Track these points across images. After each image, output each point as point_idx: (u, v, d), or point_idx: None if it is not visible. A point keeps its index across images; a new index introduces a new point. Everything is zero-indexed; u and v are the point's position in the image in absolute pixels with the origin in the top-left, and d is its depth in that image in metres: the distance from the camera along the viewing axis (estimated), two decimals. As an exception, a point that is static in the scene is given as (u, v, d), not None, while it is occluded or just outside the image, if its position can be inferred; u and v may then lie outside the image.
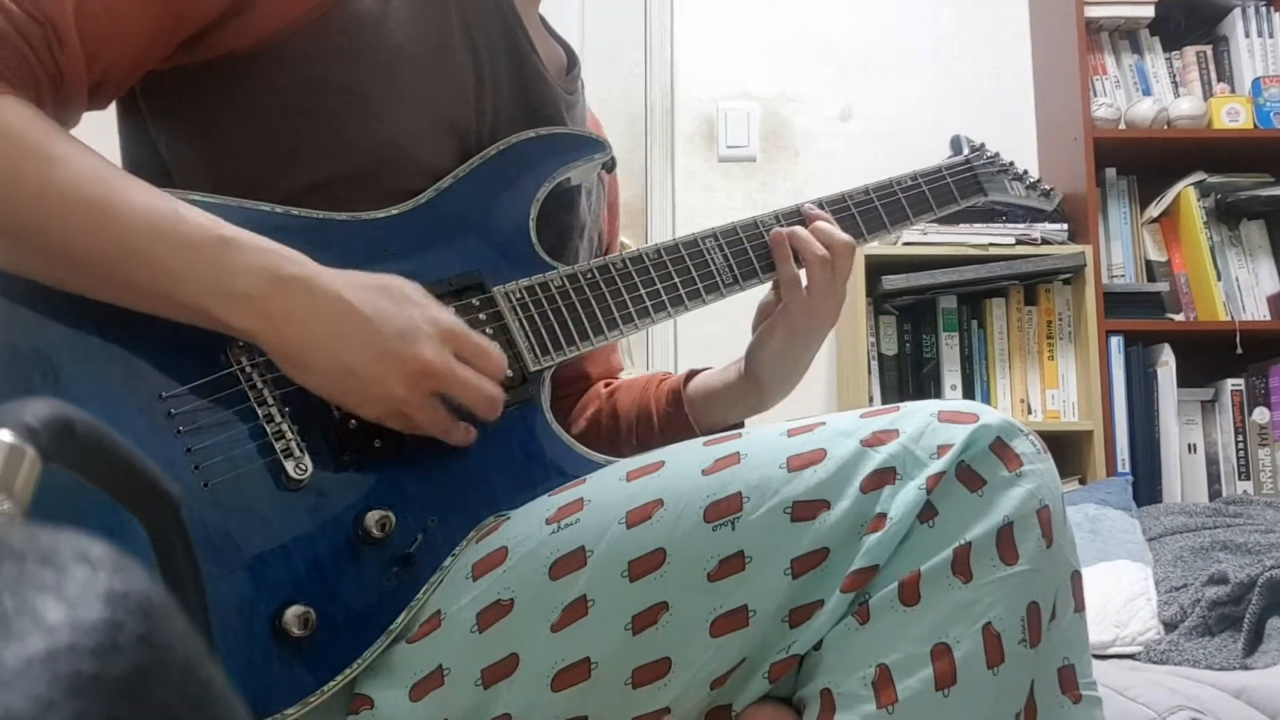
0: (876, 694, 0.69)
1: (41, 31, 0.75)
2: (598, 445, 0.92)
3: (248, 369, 0.78)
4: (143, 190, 0.76)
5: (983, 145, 1.20)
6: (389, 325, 0.77)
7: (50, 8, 0.76)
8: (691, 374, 1.10)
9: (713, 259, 0.98)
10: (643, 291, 0.94)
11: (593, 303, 0.91)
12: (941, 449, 0.72)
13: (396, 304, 0.78)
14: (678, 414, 1.07)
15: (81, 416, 0.34)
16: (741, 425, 1.06)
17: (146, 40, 0.81)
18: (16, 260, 0.75)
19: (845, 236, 1.00)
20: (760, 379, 1.03)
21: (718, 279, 0.97)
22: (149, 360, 0.76)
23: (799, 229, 0.99)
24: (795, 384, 1.05)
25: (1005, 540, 0.71)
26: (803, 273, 0.99)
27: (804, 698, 0.73)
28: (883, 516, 0.71)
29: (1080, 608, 0.75)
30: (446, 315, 0.80)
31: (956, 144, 1.19)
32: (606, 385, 1.15)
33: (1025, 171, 1.23)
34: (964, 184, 1.13)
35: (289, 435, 0.78)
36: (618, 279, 0.93)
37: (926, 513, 0.71)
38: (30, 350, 0.74)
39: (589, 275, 0.92)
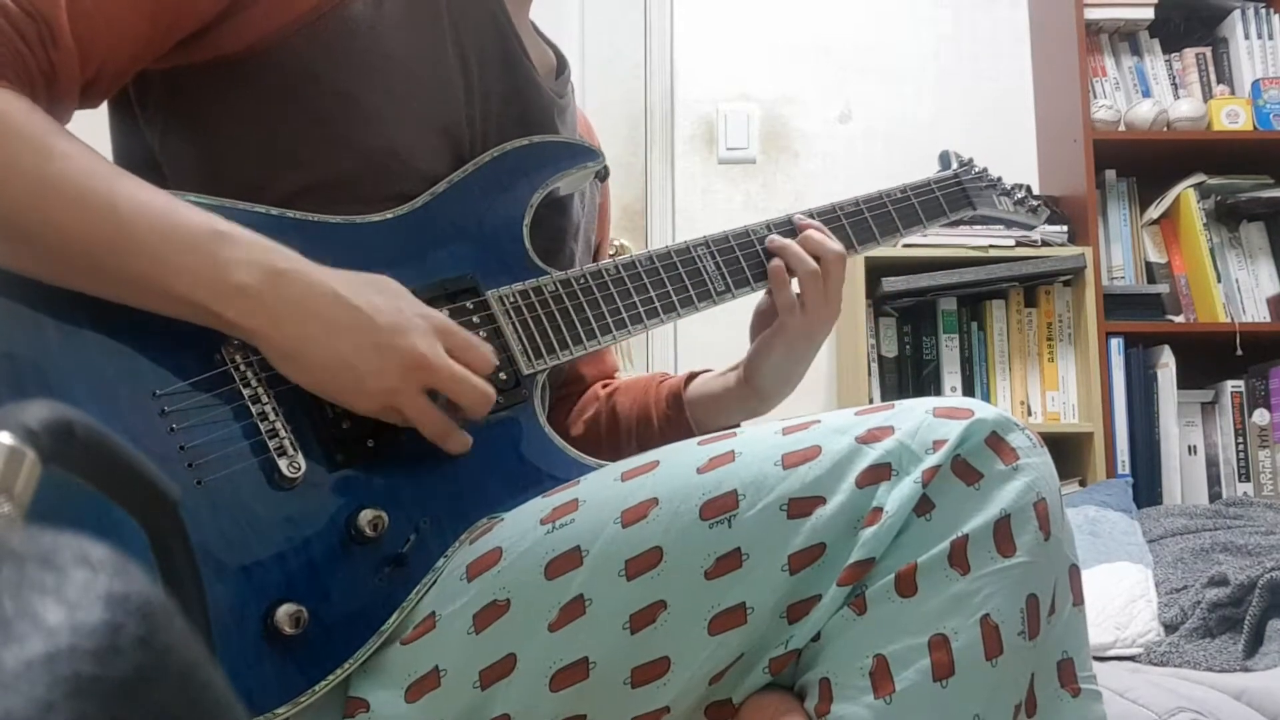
0: (874, 684, 0.69)
1: (36, 28, 0.76)
2: (597, 448, 0.92)
3: (241, 367, 0.78)
4: (138, 185, 0.76)
5: (971, 160, 1.21)
6: (382, 318, 0.77)
7: (44, 5, 0.76)
8: (691, 376, 1.10)
9: (705, 266, 0.99)
10: (635, 298, 0.94)
11: (586, 308, 0.92)
12: (937, 444, 0.72)
13: (388, 299, 0.79)
14: (678, 416, 1.08)
15: (81, 419, 0.34)
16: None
17: (140, 40, 0.81)
18: (11, 256, 0.75)
19: (836, 246, 1.01)
20: (760, 387, 1.04)
21: (709, 286, 0.98)
22: (143, 357, 0.76)
23: (790, 244, 1.00)
24: (795, 387, 1.06)
25: (1002, 533, 0.71)
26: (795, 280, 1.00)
27: (804, 685, 0.73)
28: (879, 510, 0.71)
29: (1079, 601, 0.75)
30: (436, 312, 0.81)
31: (945, 159, 1.21)
32: (605, 386, 1.16)
33: (1014, 187, 1.24)
34: (952, 198, 1.15)
35: (282, 434, 0.78)
36: (611, 284, 0.94)
37: (923, 506, 0.71)
38: (24, 347, 0.74)
39: (582, 280, 0.93)
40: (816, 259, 0.99)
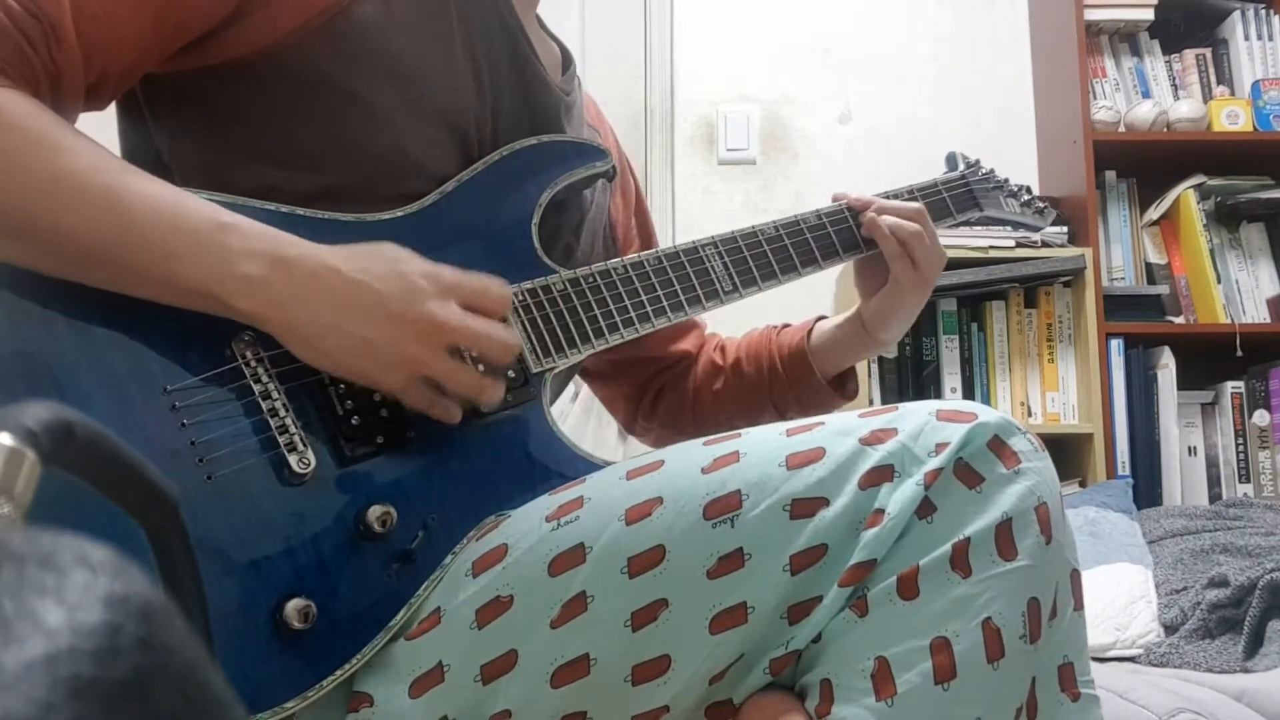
0: (875, 686, 0.69)
1: (40, 28, 0.76)
2: (732, 418, 1.01)
3: (252, 363, 0.78)
4: (144, 179, 0.77)
5: (978, 161, 1.22)
6: (389, 288, 0.78)
7: (49, 6, 0.76)
8: (808, 331, 1.15)
9: (712, 266, 1.00)
10: (644, 297, 0.95)
11: (594, 306, 0.92)
12: (939, 446, 0.72)
13: (390, 265, 0.79)
14: (805, 373, 1.12)
15: (82, 420, 0.34)
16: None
17: (144, 43, 0.82)
18: (20, 251, 0.75)
19: (913, 205, 1.07)
20: (886, 337, 1.10)
21: (717, 286, 0.99)
22: (154, 353, 0.77)
23: (888, 204, 1.07)
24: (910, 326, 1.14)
25: (1004, 536, 0.71)
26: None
27: (804, 686, 0.73)
28: (880, 512, 0.71)
29: (1079, 606, 0.75)
30: (436, 266, 0.81)
31: (952, 160, 1.21)
32: (719, 351, 1.20)
33: (1020, 189, 1.25)
34: (960, 199, 1.16)
35: (293, 429, 0.78)
36: (619, 283, 0.94)
37: (925, 509, 0.71)
38: (36, 344, 0.74)
39: (591, 279, 0.93)
40: (909, 218, 1.05)
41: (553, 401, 0.92)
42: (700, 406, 1.17)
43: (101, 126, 0.87)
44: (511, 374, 0.86)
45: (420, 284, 0.79)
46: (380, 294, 0.77)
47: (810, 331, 1.14)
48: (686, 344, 1.19)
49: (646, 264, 0.96)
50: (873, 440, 0.74)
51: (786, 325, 1.17)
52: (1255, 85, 2.59)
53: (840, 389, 1.14)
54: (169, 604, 0.27)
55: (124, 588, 0.26)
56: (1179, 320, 2.57)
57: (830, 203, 1.09)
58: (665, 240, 2.78)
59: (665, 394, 1.19)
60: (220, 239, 0.75)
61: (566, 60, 1.07)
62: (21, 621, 0.24)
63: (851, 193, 1.09)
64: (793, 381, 1.12)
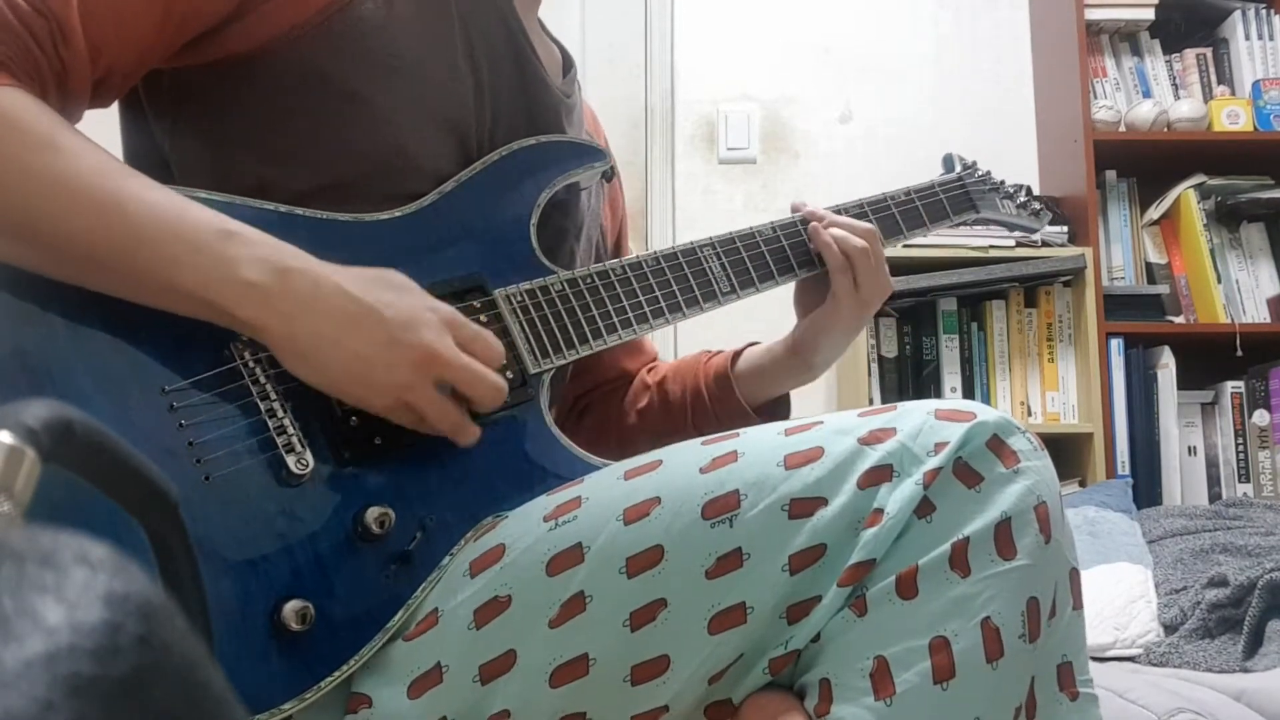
0: (874, 686, 0.69)
1: (47, 26, 0.76)
2: (656, 437, 0.96)
3: (250, 364, 0.78)
4: (146, 184, 0.77)
5: (974, 163, 1.22)
6: (391, 313, 0.78)
7: (55, 4, 0.76)
8: (736, 354, 1.12)
9: (710, 268, 1.00)
10: (641, 298, 0.95)
11: (592, 307, 0.92)
12: (939, 446, 0.72)
13: (397, 293, 0.79)
14: (728, 395, 1.09)
15: (81, 418, 0.34)
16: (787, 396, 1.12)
17: (150, 40, 0.82)
18: (21, 253, 0.75)
19: (866, 224, 1.04)
20: (813, 361, 1.07)
21: (715, 287, 0.99)
22: (153, 354, 0.77)
23: (837, 219, 1.04)
24: (841, 355, 1.10)
25: (1003, 536, 0.71)
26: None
27: (803, 685, 0.73)
28: (880, 512, 0.71)
29: (1079, 605, 0.75)
30: (443, 305, 0.81)
31: (949, 162, 1.21)
32: (650, 372, 1.17)
33: (1017, 189, 1.25)
34: (956, 200, 1.15)
35: (290, 430, 0.78)
36: (617, 284, 0.94)
37: (924, 508, 0.71)
38: (34, 344, 0.74)
39: (589, 280, 0.93)
40: (858, 235, 1.03)
41: (551, 404, 0.92)
42: (624, 424, 1.15)
43: (104, 124, 0.87)
44: (509, 375, 0.86)
45: (424, 315, 0.79)
46: (384, 318, 0.77)
47: (739, 355, 1.12)
48: (632, 364, 1.18)
49: (645, 265, 0.96)
50: (872, 440, 0.74)
51: (721, 351, 1.14)
52: (1256, 85, 2.59)
53: (771, 416, 1.09)
54: (169, 602, 0.27)
55: (124, 586, 0.26)
56: (1179, 320, 2.57)
57: (829, 205, 1.09)
58: (666, 240, 2.79)
59: (593, 408, 1.17)
60: (223, 247, 0.75)
61: (568, 63, 1.07)
62: (21, 619, 0.24)
63: (816, 204, 1.08)
64: (714, 403, 1.10)
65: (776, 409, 1.11)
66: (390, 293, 0.79)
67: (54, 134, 0.75)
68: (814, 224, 1.04)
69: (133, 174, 0.77)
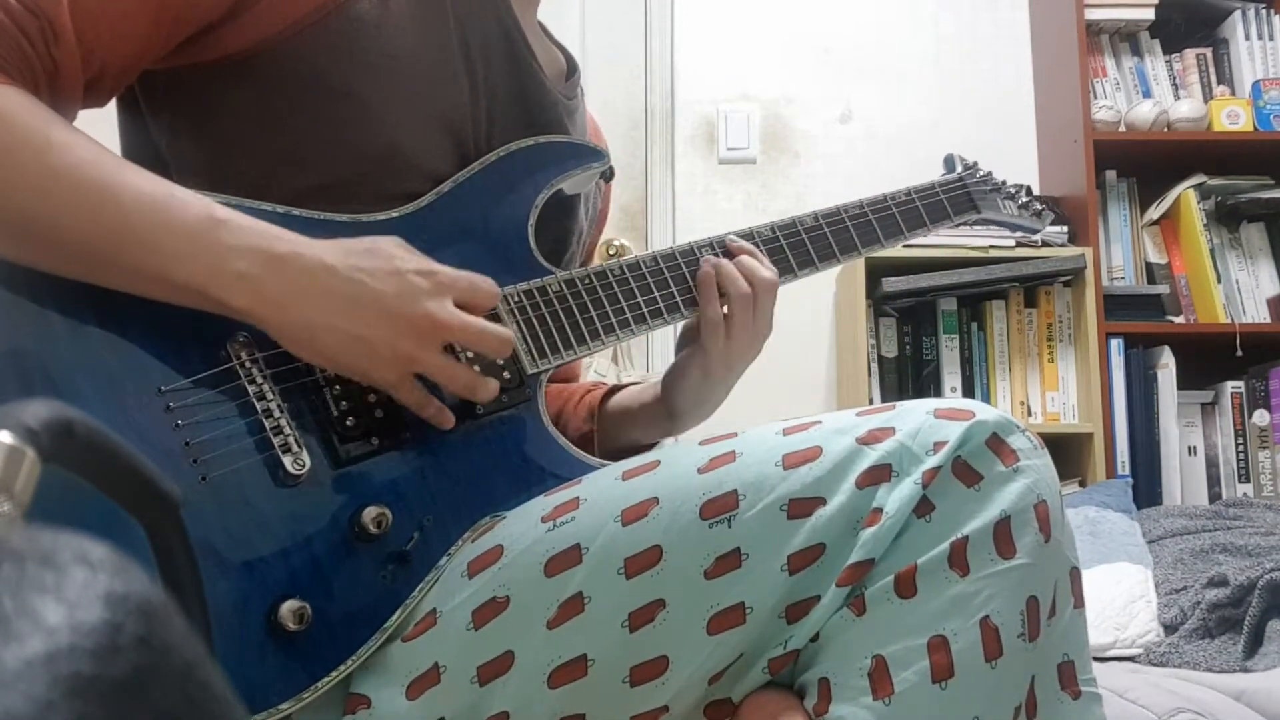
0: (873, 685, 0.69)
1: (38, 24, 0.76)
2: None
3: (247, 364, 0.78)
4: (138, 175, 0.77)
5: (975, 163, 1.21)
6: (385, 286, 0.78)
7: (47, 3, 0.76)
8: (613, 390, 1.09)
9: None
10: (640, 299, 0.95)
11: (590, 308, 0.92)
12: (938, 445, 0.72)
13: (386, 262, 0.79)
14: (592, 431, 1.06)
15: (81, 418, 0.34)
16: (655, 445, 1.05)
17: (143, 39, 0.82)
18: (15, 247, 0.75)
19: (768, 273, 0.96)
20: (675, 408, 1.02)
21: None
22: (148, 353, 0.77)
23: (726, 263, 0.96)
24: (711, 412, 1.03)
25: (1002, 534, 0.71)
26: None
27: (803, 685, 0.73)
28: (878, 511, 0.71)
29: (1080, 604, 0.75)
30: (430, 263, 0.81)
31: (950, 162, 1.21)
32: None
33: (1018, 190, 1.24)
34: (957, 201, 1.14)
35: (287, 431, 0.78)
36: (615, 285, 0.94)
37: (923, 507, 0.71)
38: (30, 343, 0.74)
39: (587, 281, 0.93)
40: (749, 283, 0.95)
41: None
42: None
43: (102, 123, 0.87)
44: (507, 375, 0.86)
45: (417, 282, 0.79)
46: (376, 292, 0.77)
47: (613, 392, 1.09)
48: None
49: (644, 266, 0.96)
50: (870, 439, 0.74)
51: (601, 383, 1.10)
52: (1256, 85, 2.59)
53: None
54: (169, 602, 0.27)
55: (124, 586, 0.26)
56: (1179, 320, 2.57)
57: (829, 205, 1.07)
58: (665, 240, 2.79)
59: None
60: (214, 235, 0.75)
61: (571, 67, 1.07)
62: (21, 619, 0.24)
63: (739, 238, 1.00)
64: (579, 443, 1.03)
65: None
66: (380, 261, 0.78)
67: (47, 129, 0.75)
68: (705, 266, 0.96)
69: (125, 165, 0.77)
